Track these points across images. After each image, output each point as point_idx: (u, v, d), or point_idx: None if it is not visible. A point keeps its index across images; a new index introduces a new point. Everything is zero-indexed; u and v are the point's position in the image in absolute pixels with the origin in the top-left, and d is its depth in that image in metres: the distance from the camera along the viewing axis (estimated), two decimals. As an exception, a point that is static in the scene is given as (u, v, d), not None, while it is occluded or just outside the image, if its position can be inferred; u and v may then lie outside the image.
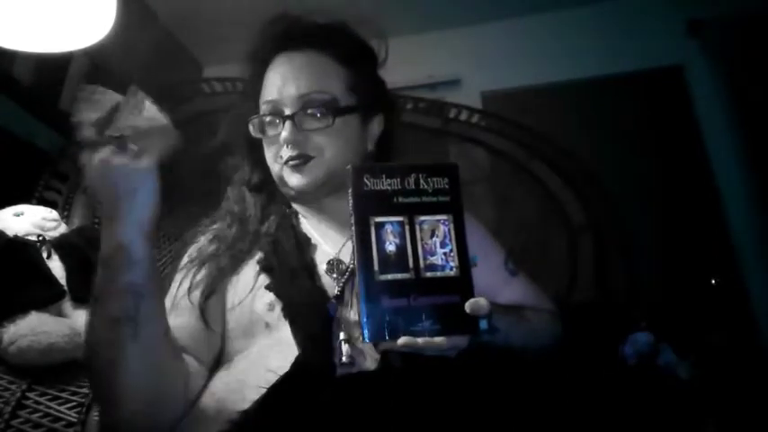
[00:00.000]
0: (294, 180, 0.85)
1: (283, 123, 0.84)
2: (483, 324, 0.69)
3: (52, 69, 1.65)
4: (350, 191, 0.68)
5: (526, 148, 1.58)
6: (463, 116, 1.65)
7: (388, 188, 0.69)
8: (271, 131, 0.87)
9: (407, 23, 2.26)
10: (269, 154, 0.88)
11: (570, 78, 2.26)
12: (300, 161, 0.84)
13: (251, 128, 0.88)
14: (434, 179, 0.70)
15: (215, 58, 2.45)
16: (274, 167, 0.88)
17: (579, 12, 2.31)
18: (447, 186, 0.70)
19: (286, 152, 0.84)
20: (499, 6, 2.31)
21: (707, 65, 2.17)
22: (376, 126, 0.94)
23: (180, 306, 0.79)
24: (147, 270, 0.64)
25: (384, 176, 0.69)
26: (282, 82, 0.86)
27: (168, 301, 0.79)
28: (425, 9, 2.28)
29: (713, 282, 1.99)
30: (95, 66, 1.78)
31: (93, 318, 0.64)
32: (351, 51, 0.91)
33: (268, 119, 0.87)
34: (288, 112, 0.85)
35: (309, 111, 0.84)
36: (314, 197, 0.89)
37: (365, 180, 0.68)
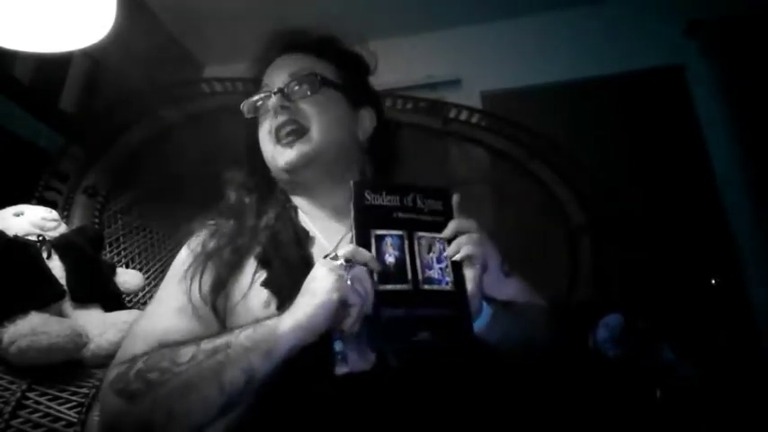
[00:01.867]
0: (285, 157, 0.87)
1: (273, 96, 0.89)
2: (484, 318, 0.70)
3: (52, 69, 1.65)
4: (351, 204, 0.70)
5: (526, 148, 1.58)
6: (463, 116, 1.65)
7: (388, 204, 0.71)
8: (262, 110, 0.92)
9: (407, 23, 2.27)
10: (263, 133, 0.91)
11: (570, 78, 2.26)
12: (293, 135, 0.87)
13: (244, 110, 0.93)
14: (429, 201, 0.73)
15: (215, 58, 2.45)
16: (267, 148, 0.91)
17: (579, 12, 2.31)
18: (441, 208, 0.74)
19: (275, 121, 0.88)
20: (499, 6, 2.31)
21: (707, 65, 2.17)
22: (367, 120, 0.97)
23: (193, 305, 0.78)
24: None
25: (384, 193, 0.71)
26: (277, 69, 0.94)
27: (177, 298, 0.79)
28: (425, 9, 2.28)
29: (713, 282, 1.99)
30: (95, 65, 1.79)
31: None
32: (339, 53, 0.98)
33: (259, 97, 0.92)
34: (278, 86, 0.90)
35: (296, 83, 0.89)
36: (306, 181, 0.90)
37: (366, 195, 0.70)
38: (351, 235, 0.85)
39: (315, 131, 0.87)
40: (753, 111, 2.04)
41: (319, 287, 0.64)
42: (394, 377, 0.68)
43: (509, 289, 0.93)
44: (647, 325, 0.97)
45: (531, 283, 0.98)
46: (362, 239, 0.68)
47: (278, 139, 0.88)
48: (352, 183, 0.71)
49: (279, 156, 0.88)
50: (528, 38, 2.33)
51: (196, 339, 0.68)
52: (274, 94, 0.89)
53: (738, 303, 1.91)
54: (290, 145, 0.87)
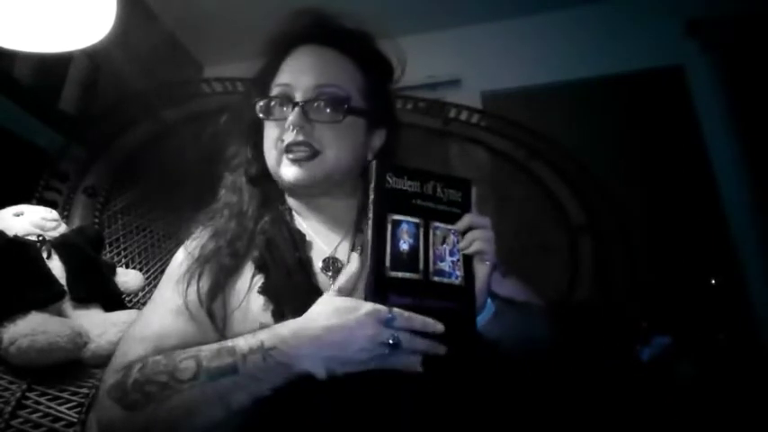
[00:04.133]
0: (290, 173, 0.83)
1: (292, 108, 0.83)
2: (487, 313, 0.70)
3: (52, 69, 1.65)
4: (371, 185, 0.69)
5: (526, 148, 1.58)
6: (463, 116, 1.66)
7: (408, 189, 0.70)
8: (277, 114, 0.86)
9: (407, 23, 2.26)
10: (269, 137, 0.86)
11: (570, 78, 2.26)
12: (304, 155, 0.82)
13: (257, 108, 0.87)
14: (450, 191, 0.72)
15: (215, 58, 2.45)
16: (271, 154, 0.86)
17: (579, 12, 2.31)
18: (459, 200, 0.73)
19: (289, 136, 0.83)
20: (499, 6, 2.31)
21: (707, 65, 2.17)
22: (377, 138, 0.93)
23: (189, 309, 0.77)
24: None
25: (406, 177, 0.70)
26: (300, 69, 0.86)
27: (173, 301, 0.78)
28: (425, 9, 2.28)
29: (713, 282, 1.99)
30: (95, 66, 1.79)
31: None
32: (371, 60, 0.91)
33: (277, 101, 0.86)
34: (299, 98, 0.84)
35: (321, 102, 0.83)
36: (307, 194, 0.88)
37: (387, 178, 0.69)
38: (348, 239, 0.85)
39: (327, 156, 0.83)
40: (752, 110, 2.04)
41: (355, 350, 0.63)
42: (399, 377, 0.68)
43: (507, 289, 0.93)
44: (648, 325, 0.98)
45: (530, 284, 0.98)
46: (379, 223, 0.67)
47: (286, 152, 0.84)
48: (374, 163, 0.70)
49: (285, 169, 0.84)
50: (528, 38, 2.33)
51: (195, 352, 0.67)
52: (294, 105, 0.83)
53: (738, 303, 1.91)
54: (298, 164, 0.83)
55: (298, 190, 0.87)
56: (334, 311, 0.65)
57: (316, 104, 0.83)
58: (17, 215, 1.05)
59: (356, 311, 0.64)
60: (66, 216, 1.22)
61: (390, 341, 0.63)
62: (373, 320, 0.63)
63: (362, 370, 0.64)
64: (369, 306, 0.64)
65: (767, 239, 1.95)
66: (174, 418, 0.64)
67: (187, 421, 0.64)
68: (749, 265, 1.96)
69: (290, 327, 0.66)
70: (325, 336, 0.64)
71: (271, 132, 0.87)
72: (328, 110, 0.83)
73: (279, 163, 0.85)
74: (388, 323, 0.63)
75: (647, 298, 1.37)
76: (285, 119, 0.84)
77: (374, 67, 0.91)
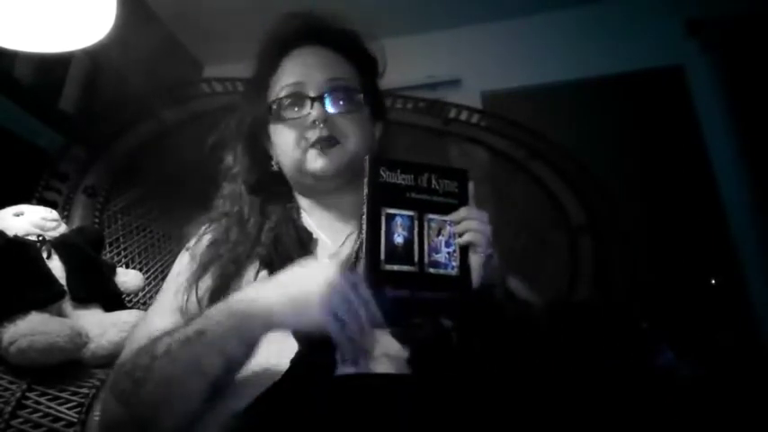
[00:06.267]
0: (319, 163, 0.84)
1: (312, 104, 0.84)
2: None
3: (52, 69, 1.66)
4: (365, 180, 0.69)
5: (526, 148, 1.58)
6: (463, 116, 1.65)
7: (402, 182, 0.71)
8: (292, 114, 0.87)
9: (407, 23, 2.27)
10: (288, 139, 0.87)
11: (570, 78, 2.26)
12: (326, 143, 0.84)
13: (271, 111, 0.88)
14: (445, 181, 0.73)
15: (215, 58, 2.45)
16: (295, 153, 0.86)
17: (579, 12, 2.31)
18: (456, 190, 0.73)
19: (315, 133, 0.84)
20: (499, 6, 2.31)
21: (707, 65, 2.17)
22: (378, 130, 0.96)
23: (191, 310, 0.78)
24: None
25: (399, 171, 0.71)
26: (307, 67, 0.88)
27: (176, 303, 0.79)
28: (425, 9, 2.28)
29: (713, 282, 1.99)
30: (95, 66, 1.79)
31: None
32: (362, 57, 0.94)
33: (290, 101, 0.87)
34: (314, 93, 0.85)
35: (337, 94, 0.86)
36: (326, 187, 0.89)
37: (381, 172, 0.70)
38: (356, 235, 0.85)
39: (350, 145, 0.85)
40: (752, 111, 2.04)
41: (312, 290, 0.62)
42: (400, 379, 0.68)
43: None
44: (648, 325, 0.98)
45: (531, 283, 0.98)
46: (372, 217, 0.68)
47: (311, 147, 0.85)
48: (367, 158, 0.71)
49: (311, 161, 0.85)
50: (528, 38, 2.33)
51: (172, 330, 0.68)
52: (312, 101, 0.85)
53: (738, 303, 1.91)
54: (324, 152, 0.84)
55: (321, 183, 0.88)
56: (302, 265, 0.66)
57: (333, 97, 0.85)
58: (17, 215, 1.05)
59: (322, 264, 0.66)
60: (66, 216, 1.22)
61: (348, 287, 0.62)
62: (335, 270, 0.63)
63: (321, 322, 0.62)
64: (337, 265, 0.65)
65: (767, 239, 1.95)
66: (160, 397, 0.65)
67: (171, 397, 0.65)
68: (749, 265, 1.96)
69: (257, 281, 0.68)
70: (285, 279, 0.65)
71: (287, 134, 0.87)
72: (344, 102, 0.86)
73: (303, 160, 0.86)
74: (349, 282, 0.63)
75: (647, 298, 1.37)
76: (301, 117, 0.85)
77: (365, 64, 0.94)
